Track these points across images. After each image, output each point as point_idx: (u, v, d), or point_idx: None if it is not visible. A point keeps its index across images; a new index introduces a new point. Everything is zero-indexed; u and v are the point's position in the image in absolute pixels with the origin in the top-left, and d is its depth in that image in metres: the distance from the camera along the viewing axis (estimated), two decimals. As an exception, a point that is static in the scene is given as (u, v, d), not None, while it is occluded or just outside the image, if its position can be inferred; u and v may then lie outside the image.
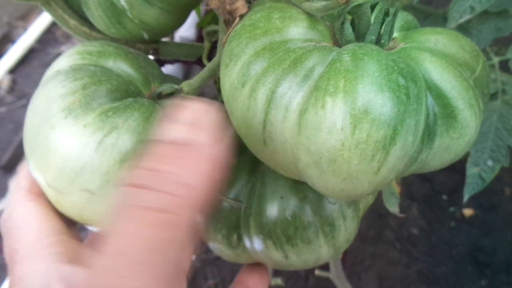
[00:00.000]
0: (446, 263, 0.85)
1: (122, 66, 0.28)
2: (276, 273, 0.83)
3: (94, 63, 0.27)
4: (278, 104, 0.22)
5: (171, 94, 0.29)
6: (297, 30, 0.24)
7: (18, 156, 1.19)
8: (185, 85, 0.29)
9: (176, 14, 0.30)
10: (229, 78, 0.24)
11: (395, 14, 0.23)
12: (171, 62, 0.36)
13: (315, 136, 0.20)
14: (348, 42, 0.24)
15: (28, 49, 1.41)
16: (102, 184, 0.23)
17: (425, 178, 0.96)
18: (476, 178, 0.47)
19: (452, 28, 0.45)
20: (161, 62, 0.36)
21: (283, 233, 0.29)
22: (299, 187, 0.29)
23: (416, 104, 0.20)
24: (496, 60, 0.47)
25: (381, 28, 0.24)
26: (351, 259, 0.84)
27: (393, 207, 0.39)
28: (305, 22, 0.24)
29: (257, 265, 0.35)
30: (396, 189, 0.39)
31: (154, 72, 0.30)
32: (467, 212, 0.91)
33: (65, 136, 0.23)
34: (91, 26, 0.30)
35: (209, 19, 0.36)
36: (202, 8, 0.33)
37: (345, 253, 0.73)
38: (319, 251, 0.30)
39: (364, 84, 0.19)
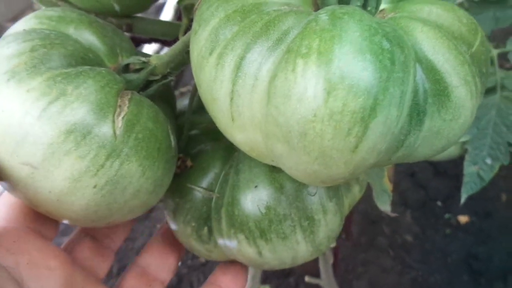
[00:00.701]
0: (441, 271, 0.82)
1: (84, 34, 0.25)
2: (265, 279, 0.80)
3: (53, 28, 0.24)
4: (246, 72, 0.19)
5: (140, 69, 0.26)
6: (273, -6, 0.21)
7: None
8: (154, 59, 0.26)
9: (149, -16, 0.28)
10: (197, 46, 0.22)
11: (383, -22, 0.21)
12: (147, 41, 0.33)
13: (284, 105, 0.17)
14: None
15: None
16: (46, 158, 0.20)
17: (420, 184, 0.94)
18: (474, 177, 0.44)
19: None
20: (136, 41, 0.33)
21: (256, 227, 0.26)
22: (276, 175, 0.26)
23: (402, 72, 0.17)
24: (495, 52, 0.44)
25: (367, -6, 0.21)
26: (342, 266, 0.81)
27: (384, 205, 0.36)
28: (283, -15, 0.21)
29: (232, 264, 0.32)
30: (388, 186, 0.36)
31: (123, 45, 0.27)
32: (462, 219, 0.89)
33: (6, 101, 0.20)
34: (57, -7, 0.28)
35: (190, -4, 0.34)
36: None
37: (336, 259, 0.69)
38: (297, 248, 0.27)
39: (342, 44, 0.17)
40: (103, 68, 0.23)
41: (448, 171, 0.93)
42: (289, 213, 0.26)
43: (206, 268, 0.83)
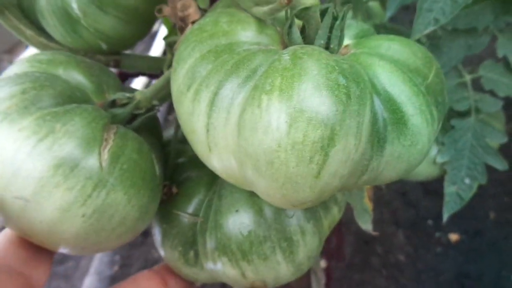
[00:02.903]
0: None
1: (72, 74, 0.27)
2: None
3: (43, 70, 0.26)
4: (220, 107, 0.21)
5: (126, 104, 0.28)
6: (244, 34, 0.23)
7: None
8: (138, 94, 0.28)
9: (134, 24, 0.30)
10: (176, 83, 0.24)
11: (343, 19, 0.23)
12: (134, 75, 0.35)
13: (252, 137, 0.19)
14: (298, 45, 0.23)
15: None
16: (36, 191, 0.22)
17: (410, 203, 0.95)
18: (454, 196, 0.46)
19: (423, 43, 0.45)
20: (123, 76, 0.35)
21: (238, 249, 0.27)
22: (255, 199, 0.28)
23: (357, 104, 0.19)
24: (468, 77, 0.47)
25: (330, 32, 0.23)
26: (337, 287, 0.81)
27: (365, 224, 0.38)
28: (254, 25, 0.24)
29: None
30: (369, 205, 0.38)
31: (109, 82, 0.29)
32: (453, 237, 0.90)
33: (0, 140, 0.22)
34: (48, 36, 0.30)
35: (176, 31, 0.36)
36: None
37: (330, 280, 0.70)
38: (278, 268, 0.28)
39: (301, 82, 0.18)
40: (89, 105, 0.25)
41: (438, 190, 0.94)
42: (269, 235, 0.27)
43: (206, 285, 0.84)
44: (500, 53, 0.46)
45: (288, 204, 0.21)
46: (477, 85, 0.47)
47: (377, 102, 0.22)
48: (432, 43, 0.44)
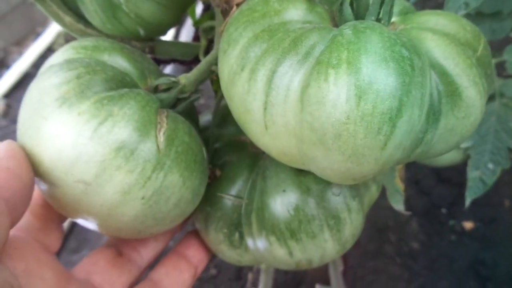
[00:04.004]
0: (448, 278, 0.83)
1: (117, 60, 0.27)
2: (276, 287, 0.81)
3: (89, 56, 0.26)
4: (279, 84, 0.21)
5: (168, 89, 0.28)
6: (295, 12, 0.23)
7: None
8: (182, 78, 0.28)
9: (172, 9, 0.30)
10: (227, 64, 0.24)
11: (393, -5, 0.23)
12: (167, 61, 0.35)
13: (318, 111, 0.19)
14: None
15: (23, 74, 1.41)
16: (98, 174, 0.22)
17: (423, 191, 0.96)
18: (477, 181, 0.46)
19: None
20: (157, 62, 0.35)
21: (286, 228, 0.28)
22: (302, 179, 0.28)
23: (421, 76, 0.20)
24: (492, 62, 0.47)
25: (380, 8, 0.23)
26: (351, 275, 0.82)
27: (398, 204, 0.38)
28: (304, 4, 0.24)
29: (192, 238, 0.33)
30: (400, 186, 0.38)
31: (150, 68, 0.29)
32: (467, 225, 0.91)
33: (59, 125, 0.22)
34: (86, 23, 0.30)
35: (205, 19, 0.36)
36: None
37: (346, 267, 0.71)
38: (325, 246, 0.29)
39: (368, 54, 0.19)
40: (140, 90, 0.25)
41: (452, 178, 0.95)
42: (317, 213, 0.28)
43: (217, 280, 0.84)
44: None
45: (349, 178, 0.22)
46: (501, 70, 0.48)
47: (433, 75, 0.22)
48: None
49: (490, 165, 0.48)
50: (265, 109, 0.22)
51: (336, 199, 0.28)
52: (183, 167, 0.25)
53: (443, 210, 0.93)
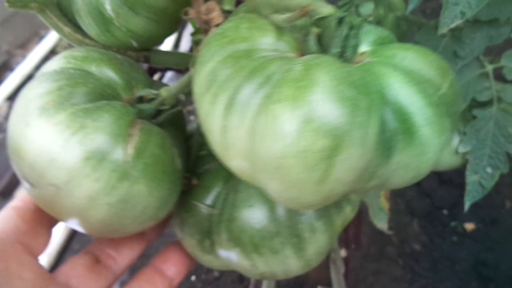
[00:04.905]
0: (450, 279, 0.83)
1: (105, 71, 0.29)
2: (278, 288, 0.82)
3: (78, 67, 0.28)
4: (235, 110, 0.22)
5: (152, 99, 0.30)
6: (263, 40, 0.24)
7: (15, 182, 1.22)
8: (164, 91, 0.30)
9: (163, 24, 0.31)
10: (198, 83, 0.25)
11: (358, 29, 0.23)
12: (162, 70, 0.37)
13: (263, 142, 0.20)
14: (313, 54, 0.24)
15: (26, 77, 1.44)
16: (68, 180, 0.24)
17: (425, 193, 0.95)
18: (476, 185, 0.46)
19: (445, 35, 0.44)
20: (153, 70, 0.37)
21: (250, 242, 0.29)
22: (269, 196, 0.29)
23: (364, 116, 0.20)
24: (490, 68, 0.46)
25: (345, 41, 0.24)
26: (353, 276, 0.82)
27: (381, 223, 0.38)
28: (272, 32, 0.25)
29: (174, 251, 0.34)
30: (385, 205, 0.38)
31: (138, 77, 0.31)
32: (469, 226, 0.90)
33: (38, 132, 0.24)
34: (84, 33, 0.32)
35: (199, 31, 0.37)
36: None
37: (348, 269, 0.71)
38: (287, 262, 0.30)
39: (311, 93, 0.19)
40: (118, 102, 0.27)
41: (453, 179, 0.95)
42: (280, 231, 0.29)
43: (220, 282, 0.87)
44: None
45: (295, 206, 0.23)
46: (498, 75, 0.47)
47: (387, 112, 0.22)
48: (454, 34, 0.44)
49: (489, 170, 0.48)
50: (223, 132, 0.23)
51: (300, 219, 0.29)
52: (150, 178, 0.26)
53: (445, 212, 0.93)
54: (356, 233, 0.59)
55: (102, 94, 0.27)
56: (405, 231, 0.90)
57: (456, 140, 0.51)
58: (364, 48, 0.26)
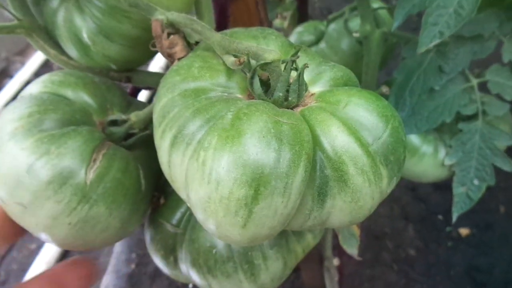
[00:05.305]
0: (444, 284, 0.84)
1: (80, 95, 0.31)
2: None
3: (54, 91, 0.30)
4: (177, 149, 0.24)
5: (124, 122, 0.32)
6: (212, 81, 0.25)
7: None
8: (133, 116, 0.32)
9: (138, 50, 0.33)
10: (154, 116, 0.27)
11: (301, 74, 0.24)
12: (145, 88, 0.39)
13: (191, 185, 0.22)
14: (258, 96, 0.25)
15: (25, 83, 1.45)
16: (32, 201, 0.27)
17: (420, 198, 0.95)
18: (463, 197, 0.46)
19: (430, 50, 0.44)
20: (136, 89, 0.39)
21: (205, 264, 0.31)
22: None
23: (287, 167, 0.21)
24: (475, 82, 0.46)
25: (289, 86, 0.24)
26: (349, 283, 0.83)
27: (351, 249, 0.39)
28: (223, 72, 0.26)
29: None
30: (356, 231, 0.39)
31: (114, 100, 0.33)
32: (464, 231, 0.90)
33: (7, 156, 0.27)
34: (68, 56, 0.34)
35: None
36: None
37: (342, 276, 0.72)
38: (240, 285, 0.31)
39: (233, 144, 0.21)
40: (86, 127, 0.29)
41: (448, 185, 0.95)
42: (232, 256, 0.30)
43: None
44: (505, 58, 0.45)
45: (230, 242, 0.24)
46: (483, 89, 0.47)
47: (320, 158, 0.23)
48: (439, 49, 0.44)
49: (476, 181, 0.49)
50: (169, 166, 0.25)
51: (252, 247, 0.30)
52: (110, 201, 0.28)
53: (440, 217, 0.93)
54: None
55: (71, 120, 0.29)
56: (400, 237, 0.91)
57: (442, 152, 0.51)
58: (318, 88, 0.27)
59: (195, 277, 0.32)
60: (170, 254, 0.34)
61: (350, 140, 0.23)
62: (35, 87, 0.31)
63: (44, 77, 0.31)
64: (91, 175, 0.28)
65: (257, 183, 0.20)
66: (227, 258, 0.30)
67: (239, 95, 0.25)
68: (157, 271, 0.92)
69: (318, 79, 0.27)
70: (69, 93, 0.31)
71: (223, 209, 0.21)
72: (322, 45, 0.61)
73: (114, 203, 0.29)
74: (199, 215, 0.23)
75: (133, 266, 0.95)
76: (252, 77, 0.25)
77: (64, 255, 0.93)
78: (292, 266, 0.33)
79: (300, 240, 0.34)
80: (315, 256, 0.70)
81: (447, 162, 0.50)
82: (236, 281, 0.31)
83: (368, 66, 0.45)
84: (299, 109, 0.25)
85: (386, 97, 0.47)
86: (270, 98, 0.25)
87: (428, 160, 0.51)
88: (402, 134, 0.25)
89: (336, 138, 0.23)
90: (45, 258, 1.06)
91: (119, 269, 0.94)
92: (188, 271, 0.33)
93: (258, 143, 0.21)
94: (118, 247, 0.98)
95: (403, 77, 0.46)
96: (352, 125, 0.23)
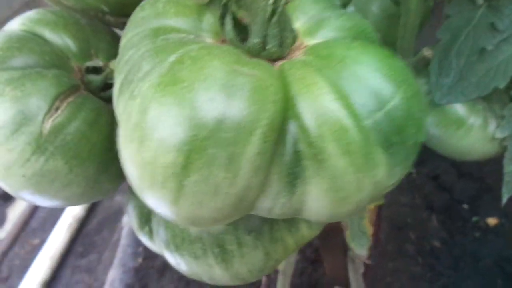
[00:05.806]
0: (473, 277, 0.76)
1: (58, 36, 0.28)
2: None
3: (30, 29, 0.27)
4: (123, 98, 0.19)
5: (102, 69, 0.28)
6: (177, 19, 0.20)
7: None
8: (112, 63, 0.28)
9: (130, -10, 0.29)
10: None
11: (281, 16, 0.18)
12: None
13: (119, 143, 0.17)
14: (231, 41, 0.19)
15: None
16: None
17: (444, 187, 0.88)
18: None
19: (480, 5, 0.35)
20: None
21: (172, 241, 0.27)
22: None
23: (234, 132, 0.15)
24: None
25: (267, 30, 0.19)
26: (371, 276, 0.76)
27: (360, 248, 0.33)
28: (192, 11, 0.20)
29: None
30: (368, 229, 0.32)
31: (100, 46, 0.29)
32: (491, 221, 0.82)
33: None
34: (61, -7, 0.31)
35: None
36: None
37: (368, 269, 0.65)
38: (211, 270, 0.27)
39: (163, 93, 0.16)
40: (53, 71, 0.26)
41: (473, 172, 0.86)
42: (201, 237, 0.26)
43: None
44: None
45: (172, 220, 0.19)
46: None
47: (293, 129, 0.17)
48: (491, 4, 0.34)
49: None
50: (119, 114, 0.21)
51: (224, 229, 0.25)
52: (71, 155, 0.25)
53: (465, 206, 0.84)
54: (376, 230, 0.53)
55: (40, 61, 0.26)
56: (424, 227, 0.82)
57: (493, 124, 0.42)
58: (316, 40, 0.21)
59: (166, 254, 0.28)
60: (145, 224, 0.30)
61: (335, 107, 0.17)
62: (14, 24, 0.28)
63: (25, 14, 0.28)
64: (49, 124, 0.24)
65: (189, 148, 0.15)
66: (195, 238, 0.26)
67: (209, 39, 0.20)
68: (165, 265, 0.87)
69: (318, 29, 0.21)
70: (46, 32, 0.28)
71: (148, 177, 0.16)
72: (350, 9, 0.52)
73: (76, 159, 0.25)
74: (129, 181, 0.18)
75: (140, 260, 0.91)
76: (223, 16, 0.19)
77: (68, 250, 0.94)
78: (279, 258, 0.28)
79: (292, 230, 0.28)
80: (339, 246, 0.64)
81: (499, 135, 0.41)
82: (205, 265, 0.26)
83: (405, 29, 0.36)
84: (281, 62, 0.19)
85: (428, 62, 0.38)
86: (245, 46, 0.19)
87: (477, 133, 0.41)
88: (418, 109, 0.18)
89: (316, 102, 0.17)
90: (48, 253, 1.02)
91: (126, 263, 0.90)
92: (160, 246, 0.29)
93: (197, 96, 0.15)
94: (124, 240, 0.94)
95: (449, 37, 0.37)
96: (342, 88, 0.17)
